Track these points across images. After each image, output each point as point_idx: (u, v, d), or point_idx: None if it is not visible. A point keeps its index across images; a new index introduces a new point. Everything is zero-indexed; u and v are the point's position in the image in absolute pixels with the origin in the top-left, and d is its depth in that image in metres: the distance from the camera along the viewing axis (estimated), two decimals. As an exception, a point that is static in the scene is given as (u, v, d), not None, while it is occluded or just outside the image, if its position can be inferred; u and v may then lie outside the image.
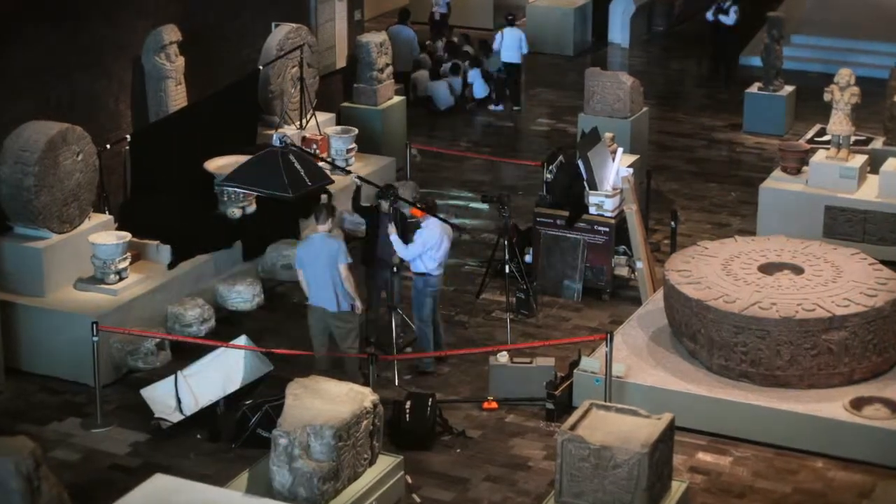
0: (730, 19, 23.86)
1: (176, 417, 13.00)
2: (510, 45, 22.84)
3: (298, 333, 15.03)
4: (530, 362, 13.78)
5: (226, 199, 15.61)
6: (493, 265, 15.73)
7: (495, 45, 23.23)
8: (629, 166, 16.84)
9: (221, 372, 13.35)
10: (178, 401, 13.08)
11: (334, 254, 13.16)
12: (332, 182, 14.84)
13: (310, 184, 13.71)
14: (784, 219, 16.70)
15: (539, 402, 13.58)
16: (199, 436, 12.99)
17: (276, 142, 14.09)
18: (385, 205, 14.29)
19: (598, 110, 19.24)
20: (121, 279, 14.39)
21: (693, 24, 28.45)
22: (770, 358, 13.16)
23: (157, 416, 13.01)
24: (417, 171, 19.11)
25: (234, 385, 13.35)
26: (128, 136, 15.85)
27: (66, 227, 14.42)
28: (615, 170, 16.06)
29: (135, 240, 14.74)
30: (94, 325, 13.21)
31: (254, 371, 13.51)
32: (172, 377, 13.21)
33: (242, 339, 13.72)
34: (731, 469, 12.72)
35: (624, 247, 15.92)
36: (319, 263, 13.22)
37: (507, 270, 14.99)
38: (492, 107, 22.75)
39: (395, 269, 14.47)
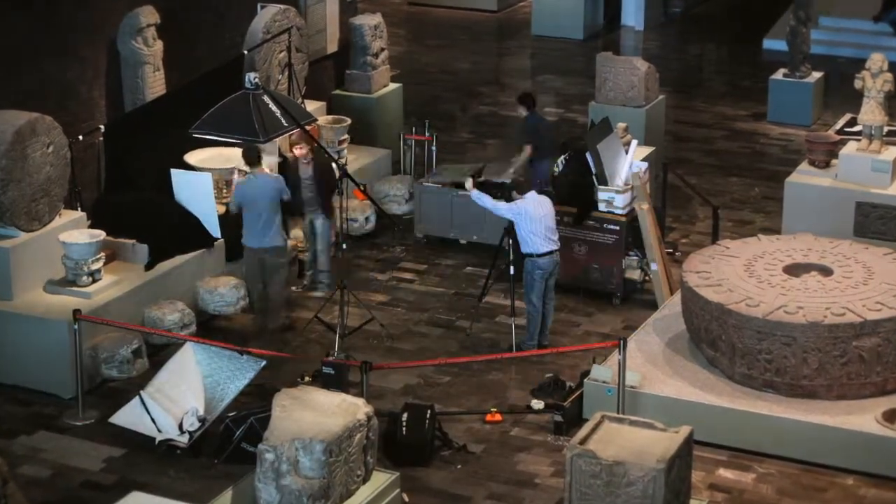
0: None
1: (184, 439, 12.97)
2: None
3: (287, 338, 15.07)
4: None
5: (208, 194, 15.67)
6: (497, 266, 15.73)
7: None
8: (643, 159, 16.86)
9: (188, 378, 13.33)
10: (154, 421, 13.06)
11: (280, 189, 14.82)
12: (316, 121, 16.38)
13: (286, 125, 14.91)
14: (811, 216, 16.70)
15: (547, 412, 13.61)
16: (178, 450, 13.00)
17: (247, 84, 14.50)
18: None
19: (611, 98, 19.24)
20: (94, 281, 14.40)
21: (712, 5, 28.49)
22: (796, 366, 13.17)
23: (161, 439, 12.98)
24: (416, 165, 19.10)
25: (201, 389, 13.31)
26: (102, 127, 15.86)
27: (36, 224, 14.42)
28: (628, 163, 16.06)
29: (109, 239, 14.75)
30: (75, 313, 13.42)
31: (226, 371, 13.48)
32: (137, 399, 13.21)
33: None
34: (755, 486, 12.73)
35: (636, 250, 15.93)
36: (264, 201, 14.68)
37: (511, 272, 15.00)
38: None
39: (343, 246, 15.30)
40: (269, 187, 14.77)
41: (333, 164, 15.94)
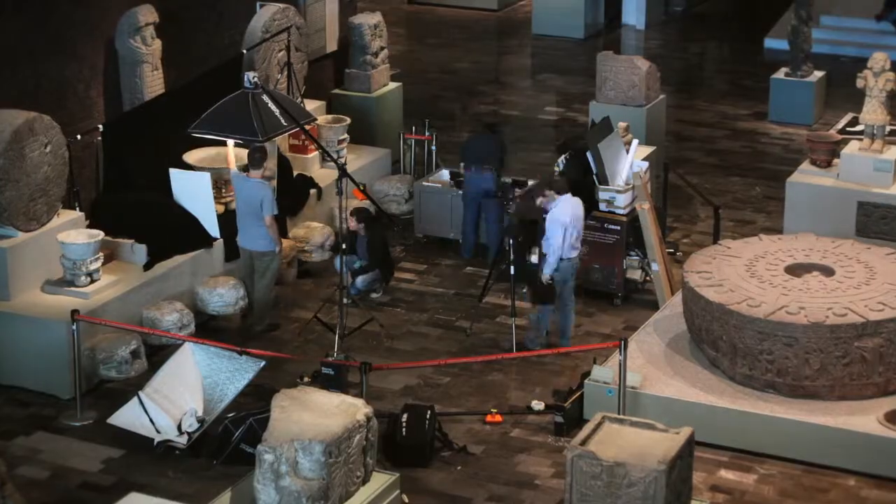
0: None
1: (183, 440, 12.98)
2: None
3: (286, 339, 15.08)
4: None
5: (206, 194, 15.68)
6: (497, 266, 15.73)
7: None
8: (644, 159, 16.86)
9: (186, 379, 13.34)
10: (152, 422, 13.06)
11: (263, 202, 14.76)
12: (315, 120, 16.52)
13: (285, 124, 15.02)
14: (813, 216, 16.71)
15: (548, 412, 13.61)
16: (177, 451, 13.00)
17: (246, 83, 14.57)
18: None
19: (611, 98, 19.24)
20: (92, 281, 14.40)
21: (713, 3, 28.49)
22: (798, 367, 13.17)
23: (159, 440, 12.98)
24: (416, 164, 19.11)
25: (200, 390, 13.32)
26: (100, 126, 15.86)
27: (33, 224, 14.43)
28: (629, 163, 16.07)
29: (107, 239, 14.75)
30: (74, 314, 13.44)
31: (225, 371, 13.49)
32: (135, 400, 13.21)
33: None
34: (756, 487, 12.73)
35: (637, 250, 15.93)
36: (250, 206, 14.85)
37: (511, 272, 15.00)
38: None
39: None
40: (250, 192, 14.82)
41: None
